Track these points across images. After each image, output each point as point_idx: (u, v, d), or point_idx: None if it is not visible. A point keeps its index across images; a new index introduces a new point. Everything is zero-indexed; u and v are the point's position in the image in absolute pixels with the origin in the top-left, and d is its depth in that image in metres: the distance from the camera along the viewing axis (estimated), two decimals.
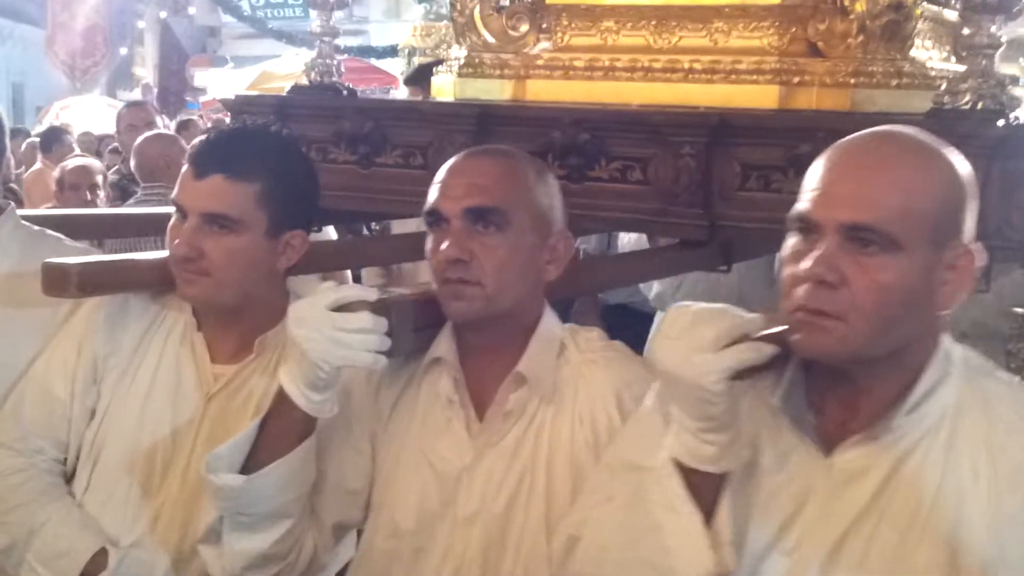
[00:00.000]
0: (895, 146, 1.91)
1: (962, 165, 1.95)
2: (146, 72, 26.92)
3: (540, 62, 4.22)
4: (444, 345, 2.39)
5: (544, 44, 4.30)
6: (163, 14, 25.73)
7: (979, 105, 3.29)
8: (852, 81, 3.72)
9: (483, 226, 2.29)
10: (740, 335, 1.83)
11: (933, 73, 3.82)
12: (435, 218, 2.33)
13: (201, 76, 27.07)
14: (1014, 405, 1.91)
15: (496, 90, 4.22)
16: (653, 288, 6.60)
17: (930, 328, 1.93)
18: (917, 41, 3.98)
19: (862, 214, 1.81)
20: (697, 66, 3.98)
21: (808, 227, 1.88)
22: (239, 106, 4.10)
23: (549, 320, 2.42)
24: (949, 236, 1.87)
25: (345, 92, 4.13)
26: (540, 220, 2.37)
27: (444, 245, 2.29)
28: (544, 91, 4.16)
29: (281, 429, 2.21)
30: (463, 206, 2.30)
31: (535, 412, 2.31)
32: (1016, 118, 3.24)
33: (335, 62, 4.18)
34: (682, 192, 3.45)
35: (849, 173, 1.88)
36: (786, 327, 1.89)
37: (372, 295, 2.14)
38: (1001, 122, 3.13)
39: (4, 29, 23.91)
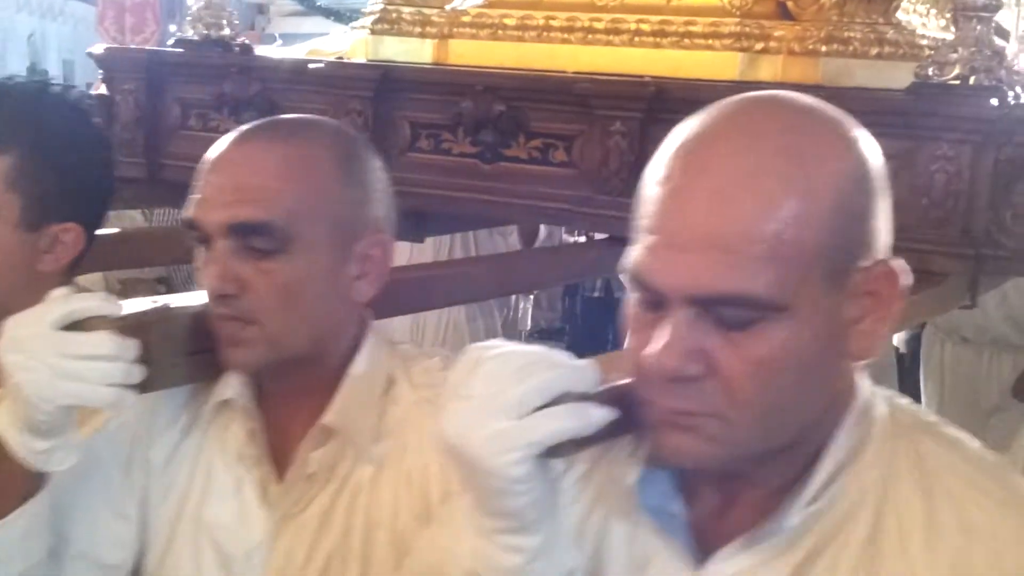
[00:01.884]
0: (753, 150, 1.31)
1: (864, 149, 1.36)
2: None
3: (466, 19, 3.62)
4: (235, 383, 1.81)
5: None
6: None
7: (971, 80, 2.69)
8: (823, 49, 3.13)
9: (256, 246, 1.71)
10: (560, 392, 1.26)
11: (924, 42, 3.21)
12: (195, 233, 1.75)
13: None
14: (962, 473, 1.33)
15: (414, 51, 3.65)
16: None
17: (842, 388, 1.35)
18: (908, 4, 3.37)
19: (719, 280, 1.25)
20: (645, 27, 3.40)
21: (647, 292, 1.31)
22: (106, 62, 3.51)
23: (371, 351, 1.84)
24: (853, 259, 1.29)
25: (237, 48, 3.52)
26: (342, 227, 1.79)
27: (209, 270, 1.72)
28: (468, 53, 3.58)
29: None
30: (225, 220, 1.71)
31: (348, 473, 1.75)
32: (1017, 95, 2.63)
33: (227, 13, 3.57)
34: (611, 177, 2.87)
35: (699, 199, 1.30)
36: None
37: (116, 307, 1.57)
38: (995, 100, 2.53)
39: (55, 6, 23.42)
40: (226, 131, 3.46)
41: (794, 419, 1.30)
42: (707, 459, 1.29)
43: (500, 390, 1.25)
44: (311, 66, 3.28)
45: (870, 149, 1.35)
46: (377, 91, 3.13)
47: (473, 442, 1.25)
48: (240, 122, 3.42)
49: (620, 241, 3.02)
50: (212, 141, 3.36)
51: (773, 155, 1.27)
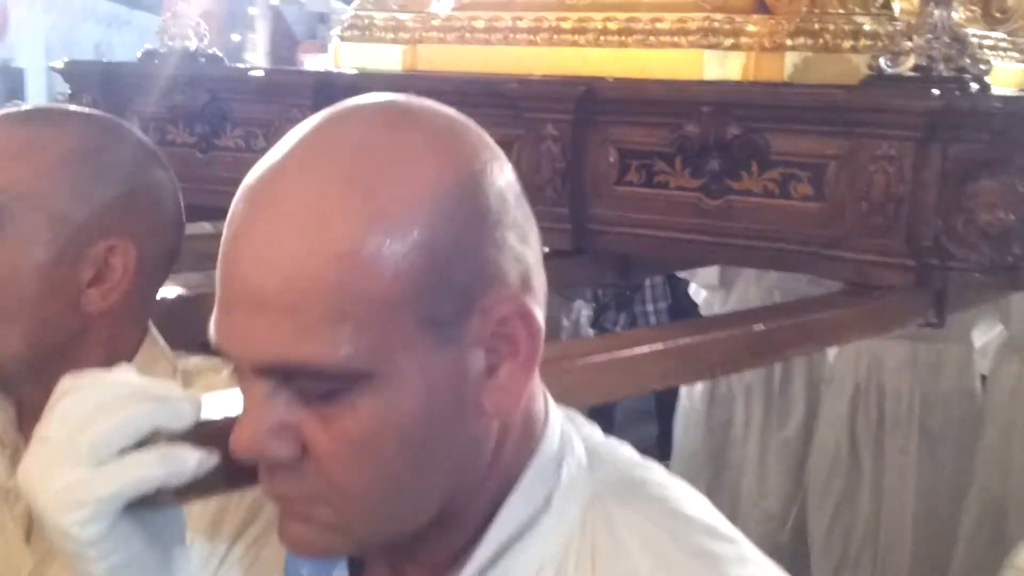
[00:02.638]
0: (315, 179, 1.07)
1: (473, 163, 1.10)
2: (257, 58, 26.93)
3: (436, 23, 3.46)
4: None
5: (445, 2, 3.52)
6: (275, 1, 25.58)
7: (935, 72, 2.42)
8: (789, 43, 2.87)
9: None
10: (149, 431, 1.08)
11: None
12: None
13: (311, 62, 26.89)
14: (655, 548, 1.10)
15: (384, 57, 3.50)
16: (700, 293, 5.81)
17: (504, 448, 1.13)
18: None
19: (276, 347, 1.04)
20: (611, 25, 3.18)
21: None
22: (69, 75, 3.45)
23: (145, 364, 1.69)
24: (465, 302, 1.07)
25: (203, 60, 3.43)
26: (67, 224, 1.63)
27: None
28: (437, 58, 3.43)
29: None
30: None
31: None
32: (972, 84, 2.36)
33: (195, 24, 3.48)
34: (544, 186, 2.66)
35: (242, 246, 1.09)
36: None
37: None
38: (937, 90, 2.26)
39: (121, 16, 24.17)
40: (182, 144, 3.42)
41: (421, 497, 1.07)
42: (332, 548, 1.08)
43: (76, 431, 1.07)
44: (251, 74, 3.16)
45: (485, 163, 1.09)
46: (314, 100, 2.99)
47: (41, 496, 1.08)
48: (193, 135, 3.36)
49: (561, 254, 2.84)
50: (169, 155, 3.29)
51: (338, 183, 1.00)
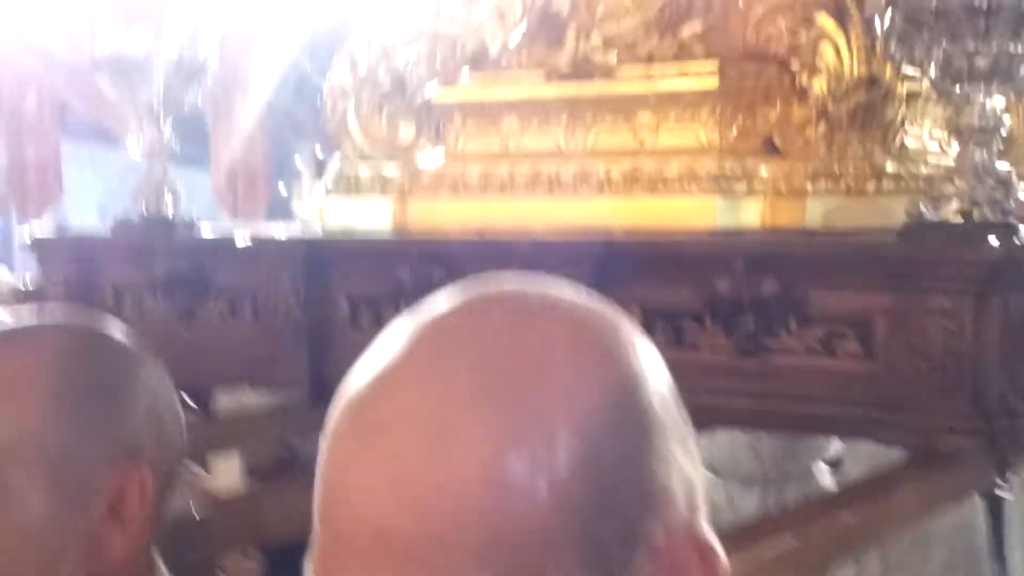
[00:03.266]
0: (445, 391, 0.86)
1: (633, 368, 0.88)
2: (304, 208, 26.87)
3: (426, 176, 3.28)
4: None
5: (436, 151, 3.36)
6: (319, 153, 25.71)
7: (973, 216, 2.25)
8: (810, 187, 2.71)
9: None
10: None
11: (933, 171, 2.78)
12: None
13: None
14: None
15: (372, 213, 3.31)
16: None
17: None
18: (914, 127, 2.94)
19: None
20: (615, 174, 3.02)
21: None
22: (39, 251, 3.23)
23: None
24: (631, 534, 0.84)
25: (180, 227, 3.22)
26: (67, 461, 1.38)
27: None
28: (429, 214, 3.25)
29: None
30: None
31: None
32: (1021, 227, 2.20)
33: (169, 186, 3.29)
34: None
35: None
36: None
37: None
38: (995, 239, 2.09)
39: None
40: (160, 316, 3.20)
41: None
42: None
43: None
44: (237, 240, 2.95)
45: (644, 360, 0.88)
46: (307, 267, 2.78)
47: None
48: (173, 303, 3.14)
49: None
50: (148, 327, 3.06)
51: (474, 393, 0.82)
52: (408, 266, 2.71)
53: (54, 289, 3.22)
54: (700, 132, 3.03)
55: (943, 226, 2.28)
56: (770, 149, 2.99)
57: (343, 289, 2.86)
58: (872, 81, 2.80)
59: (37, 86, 9.26)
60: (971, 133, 2.33)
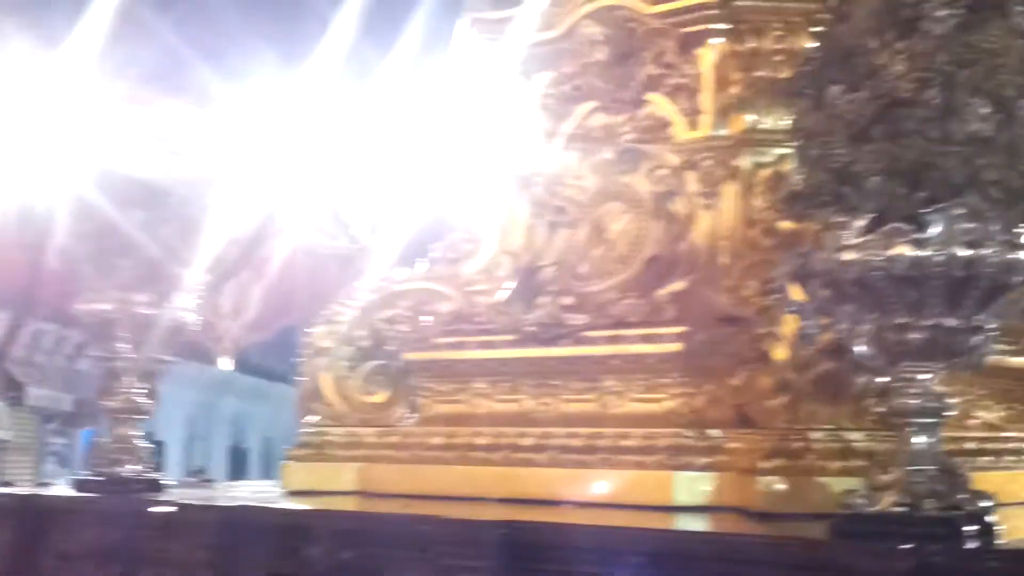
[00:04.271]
0: None
1: None
2: None
3: (393, 439, 3.11)
4: None
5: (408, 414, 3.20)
6: None
7: (920, 511, 1.97)
8: (767, 465, 2.44)
9: None
10: None
11: None
12: None
13: None
14: None
15: (336, 477, 3.13)
16: None
17: None
18: None
19: None
20: (574, 442, 2.79)
21: None
22: None
23: None
24: None
25: (136, 486, 3.10)
26: None
27: None
28: (389, 479, 3.08)
29: None
30: None
31: None
32: (968, 525, 1.90)
33: (137, 450, 3.18)
34: None
35: None
36: None
37: None
38: (912, 543, 1.80)
39: (261, 388, 24.84)
40: None
41: None
42: None
43: None
44: (153, 511, 2.78)
45: None
46: (219, 541, 2.59)
47: None
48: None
49: None
50: None
51: None
52: (317, 544, 2.49)
53: None
54: (664, 400, 2.80)
55: (876, 519, 1.98)
56: (739, 420, 2.73)
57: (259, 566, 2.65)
58: (837, 350, 2.54)
59: None
60: (908, 416, 2.05)
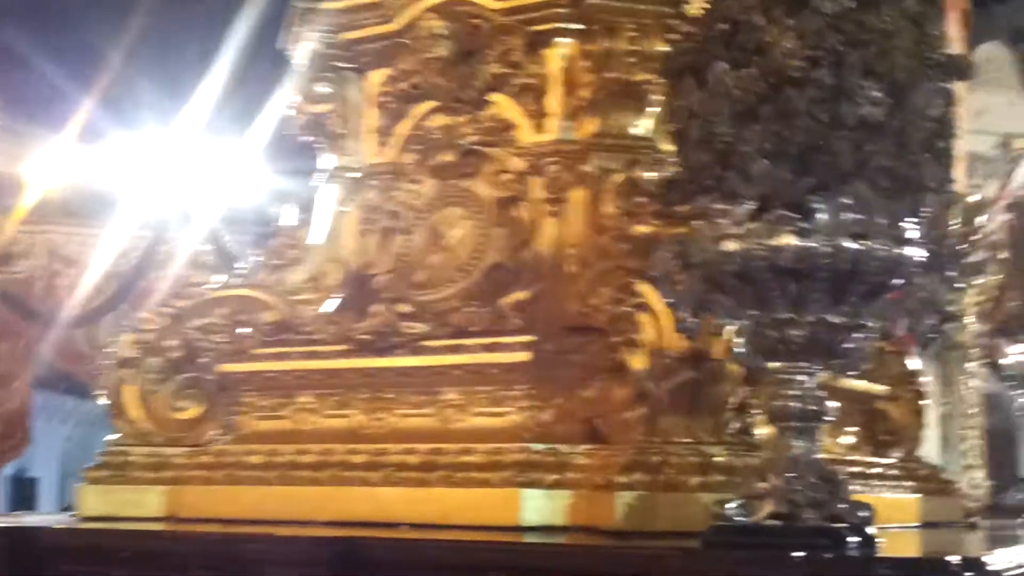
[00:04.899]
0: None
1: None
2: None
3: (205, 459, 2.82)
4: None
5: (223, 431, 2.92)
6: None
7: (800, 521, 1.84)
8: (622, 479, 2.29)
9: None
10: None
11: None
12: None
13: None
14: None
15: (140, 501, 2.82)
16: None
17: None
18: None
19: None
20: (411, 459, 2.58)
21: None
22: None
23: None
24: None
25: None
26: None
27: None
28: (203, 502, 2.77)
29: None
30: None
31: None
32: (850, 536, 1.77)
33: None
34: None
35: None
36: None
37: None
38: (801, 551, 1.66)
39: None
40: None
41: None
42: None
43: None
44: None
45: None
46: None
47: None
48: None
49: None
50: None
51: None
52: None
53: None
54: (511, 414, 2.62)
55: (752, 531, 1.85)
56: (591, 434, 2.58)
57: None
58: (699, 358, 2.42)
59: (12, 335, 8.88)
60: (791, 420, 1.93)
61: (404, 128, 3.05)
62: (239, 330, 3.01)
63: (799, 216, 1.83)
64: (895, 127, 1.81)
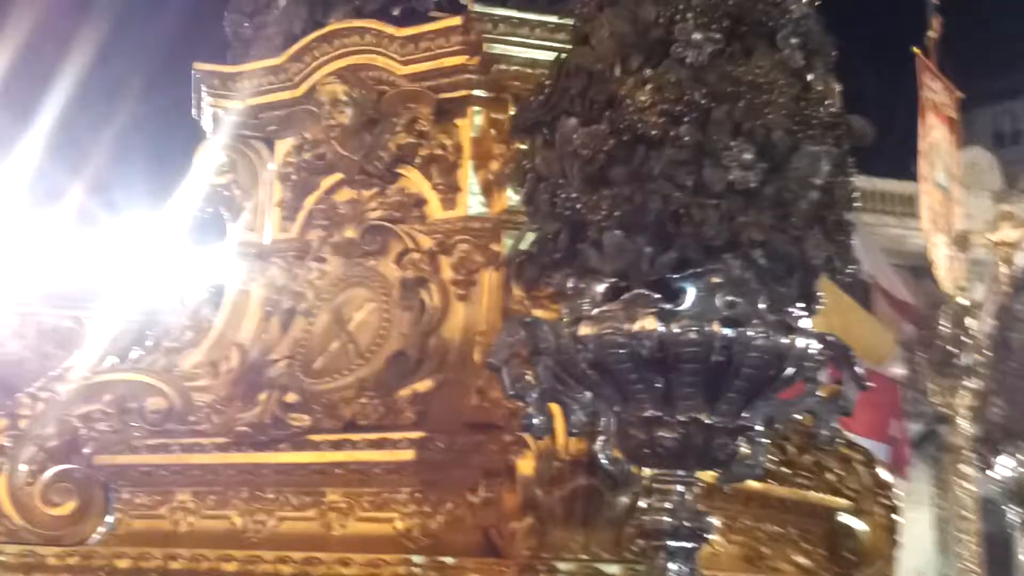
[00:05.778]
0: None
1: None
2: None
3: (73, 560, 2.57)
4: None
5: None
6: None
7: None
8: None
9: None
10: None
11: None
12: None
13: None
14: None
15: None
16: None
17: None
18: None
19: None
20: (285, 570, 2.33)
21: None
22: None
23: None
24: None
25: None
26: None
27: None
28: None
29: None
30: None
31: None
32: None
33: None
34: None
35: None
36: None
37: None
38: None
39: None
40: None
41: None
42: None
43: None
44: None
45: None
46: None
47: None
48: None
49: None
50: None
51: None
52: None
53: None
54: (397, 519, 2.35)
55: None
56: (484, 546, 2.30)
57: None
58: (596, 461, 2.14)
59: None
60: (659, 537, 1.65)
61: (310, 202, 2.82)
62: (125, 417, 2.76)
63: (663, 297, 1.57)
64: (772, 195, 1.55)
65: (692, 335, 1.55)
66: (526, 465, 2.18)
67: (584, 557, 2.14)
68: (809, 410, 1.69)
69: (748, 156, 1.54)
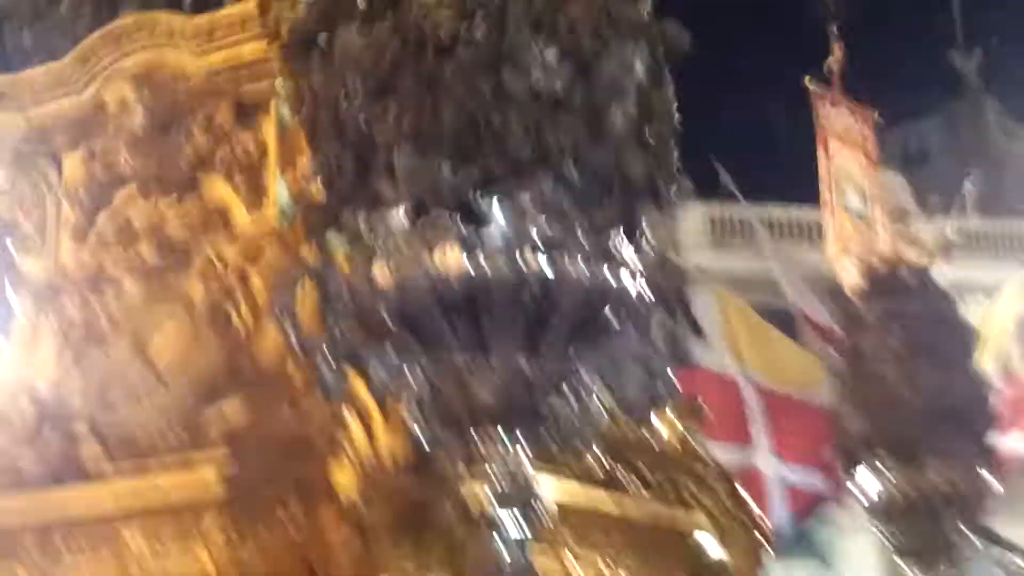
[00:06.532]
0: None
1: None
2: None
3: None
4: None
5: None
6: None
7: None
8: None
9: None
10: None
11: None
12: None
13: None
14: None
15: None
16: None
17: None
18: None
19: None
20: None
21: None
22: None
23: None
24: None
25: None
26: None
27: None
28: None
29: None
30: None
31: None
32: None
33: None
34: None
35: None
36: None
37: None
38: None
39: None
40: None
41: None
42: None
43: None
44: None
45: None
46: None
47: None
48: None
49: None
50: None
51: None
52: None
53: None
54: (201, 552, 2.08)
55: None
56: (303, 573, 2.04)
57: None
58: (425, 467, 1.91)
59: None
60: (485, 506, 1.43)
61: (101, 220, 2.56)
62: None
63: (467, 224, 1.38)
64: (581, 102, 1.38)
65: (502, 265, 1.36)
66: (344, 475, 1.94)
67: (412, 572, 1.90)
68: (643, 359, 1.52)
69: (551, 57, 1.37)
